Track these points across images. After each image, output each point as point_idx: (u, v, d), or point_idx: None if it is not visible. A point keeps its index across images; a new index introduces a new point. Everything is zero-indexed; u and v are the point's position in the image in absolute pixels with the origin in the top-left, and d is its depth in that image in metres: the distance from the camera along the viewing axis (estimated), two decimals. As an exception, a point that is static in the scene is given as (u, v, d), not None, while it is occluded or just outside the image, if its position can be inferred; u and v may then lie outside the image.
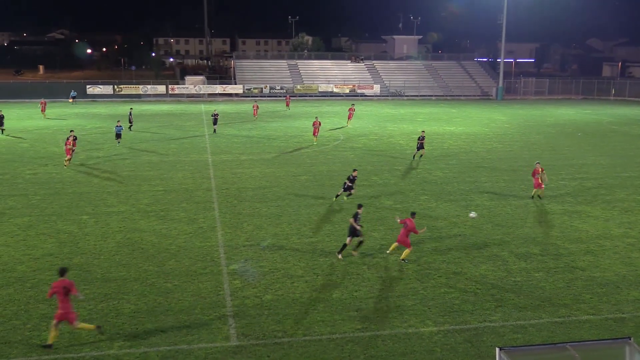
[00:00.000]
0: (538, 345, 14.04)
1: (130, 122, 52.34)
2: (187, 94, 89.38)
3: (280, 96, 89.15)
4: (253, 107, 62.49)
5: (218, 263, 20.63)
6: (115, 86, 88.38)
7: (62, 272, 15.13)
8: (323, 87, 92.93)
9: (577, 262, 21.09)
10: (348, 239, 21.11)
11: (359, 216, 21.06)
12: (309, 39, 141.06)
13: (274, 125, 57.76)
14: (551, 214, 27.11)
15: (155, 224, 24.86)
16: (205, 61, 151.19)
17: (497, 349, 10.94)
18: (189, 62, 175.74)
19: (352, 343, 15.31)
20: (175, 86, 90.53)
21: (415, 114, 69.61)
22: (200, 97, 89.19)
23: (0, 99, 79.51)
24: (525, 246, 22.67)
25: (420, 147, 38.89)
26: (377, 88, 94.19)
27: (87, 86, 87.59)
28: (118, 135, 44.09)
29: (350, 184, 28.27)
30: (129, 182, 32.37)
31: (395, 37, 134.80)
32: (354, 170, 28.85)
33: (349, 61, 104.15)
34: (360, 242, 21.24)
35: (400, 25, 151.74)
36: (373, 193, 30.38)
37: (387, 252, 21.49)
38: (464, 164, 38.29)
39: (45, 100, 65.40)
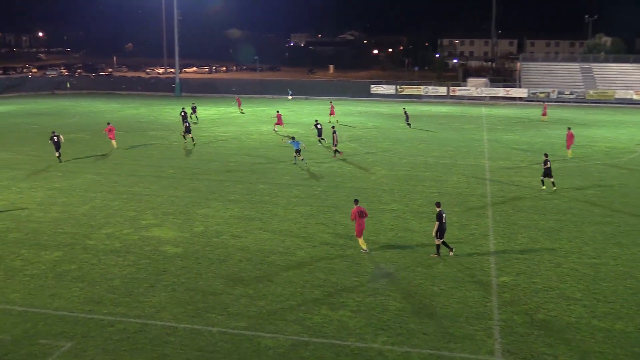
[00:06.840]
0: None
1: (407, 120, 55.19)
2: (468, 96, 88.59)
3: (569, 102, 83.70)
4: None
5: (488, 273, 19.81)
6: (398, 86, 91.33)
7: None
8: (620, 94, 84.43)
9: None
10: None
11: None
12: (607, 40, 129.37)
13: (560, 132, 54.13)
14: None
15: (426, 226, 24.83)
16: (490, 63, 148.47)
17: None
18: (473, 63, 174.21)
19: (636, 385, 13.43)
20: (457, 88, 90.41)
21: None
22: (481, 99, 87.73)
23: (296, 95, 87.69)
24: None
25: None
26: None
27: (371, 86, 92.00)
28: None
29: None
30: (404, 181, 32.97)
31: None
32: None
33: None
34: None
35: None
36: (673, 216, 26.56)
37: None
38: None
39: (239, 96, 73.50)
